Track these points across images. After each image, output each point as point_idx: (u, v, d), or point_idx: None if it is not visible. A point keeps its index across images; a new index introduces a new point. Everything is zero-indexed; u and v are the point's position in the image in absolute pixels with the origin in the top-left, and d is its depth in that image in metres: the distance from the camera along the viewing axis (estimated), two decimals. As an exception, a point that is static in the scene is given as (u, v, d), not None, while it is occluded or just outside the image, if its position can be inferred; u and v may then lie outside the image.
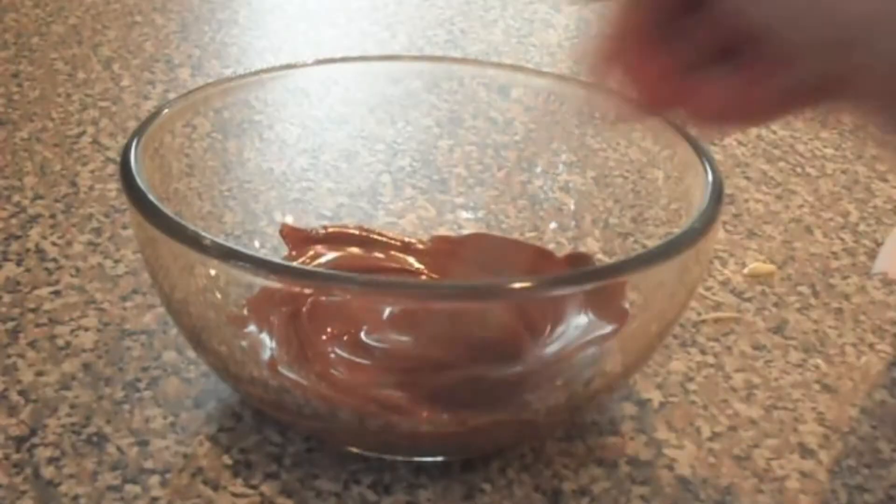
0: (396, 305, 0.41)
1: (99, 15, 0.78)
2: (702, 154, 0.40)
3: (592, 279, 0.35)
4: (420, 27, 0.79)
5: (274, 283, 0.34)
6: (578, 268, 0.45)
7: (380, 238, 0.48)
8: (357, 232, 0.48)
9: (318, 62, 0.48)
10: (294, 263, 0.45)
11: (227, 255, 0.33)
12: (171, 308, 0.38)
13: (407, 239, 0.48)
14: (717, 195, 0.37)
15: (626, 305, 0.39)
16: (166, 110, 0.42)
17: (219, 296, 0.39)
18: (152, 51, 0.72)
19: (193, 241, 0.34)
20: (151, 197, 0.36)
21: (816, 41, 0.28)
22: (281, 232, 0.46)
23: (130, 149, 0.38)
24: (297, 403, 0.37)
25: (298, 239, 0.46)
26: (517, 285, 0.34)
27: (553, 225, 0.48)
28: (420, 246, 0.48)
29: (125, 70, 0.69)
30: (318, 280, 0.35)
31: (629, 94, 0.33)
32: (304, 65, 0.48)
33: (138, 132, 0.40)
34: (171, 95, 0.65)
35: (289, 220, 0.47)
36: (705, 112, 0.33)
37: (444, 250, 0.47)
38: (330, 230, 0.47)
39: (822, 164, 0.62)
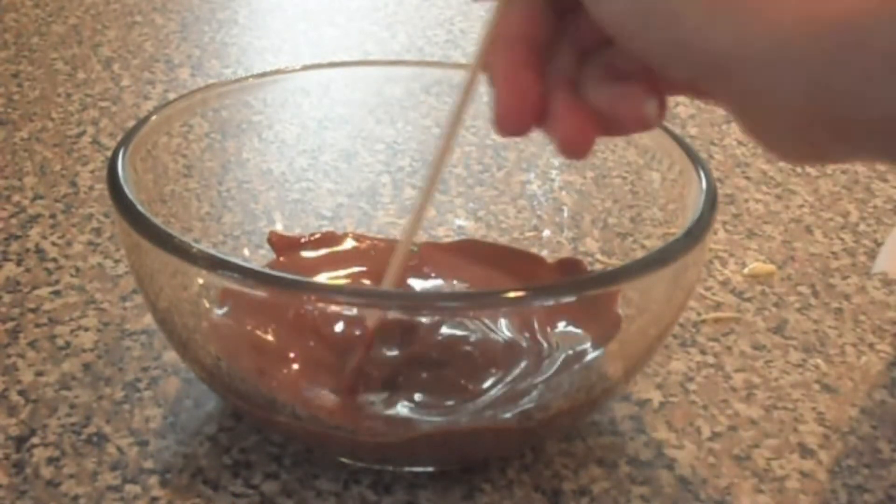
0: (380, 315, 0.40)
1: (99, 15, 0.78)
2: (696, 161, 0.40)
3: (585, 288, 0.35)
4: (420, 27, 0.79)
5: (261, 293, 0.34)
6: (570, 274, 0.45)
7: (368, 244, 0.47)
8: (345, 238, 0.48)
9: (317, 66, 0.48)
10: (277, 272, 0.43)
11: (213, 264, 0.33)
12: (156, 316, 0.38)
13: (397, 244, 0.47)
14: (712, 201, 0.37)
15: (620, 311, 0.39)
16: (154, 116, 0.42)
17: (206, 304, 0.38)
18: (152, 51, 0.72)
19: (179, 249, 0.34)
20: (137, 205, 0.35)
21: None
22: (269, 240, 0.46)
23: (118, 155, 0.38)
24: (285, 414, 0.37)
25: (286, 245, 0.46)
26: (508, 295, 0.33)
27: (552, 225, 0.48)
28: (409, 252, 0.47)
29: (125, 70, 0.69)
30: (306, 290, 0.34)
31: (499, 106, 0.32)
32: (303, 68, 0.48)
33: (127, 138, 0.40)
34: (171, 95, 0.65)
35: (281, 226, 0.47)
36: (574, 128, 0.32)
37: (433, 257, 0.47)
38: (317, 236, 0.47)
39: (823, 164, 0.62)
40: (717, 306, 0.48)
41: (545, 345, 0.40)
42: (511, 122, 0.32)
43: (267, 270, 0.42)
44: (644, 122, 0.32)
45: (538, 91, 0.31)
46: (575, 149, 0.32)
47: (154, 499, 0.36)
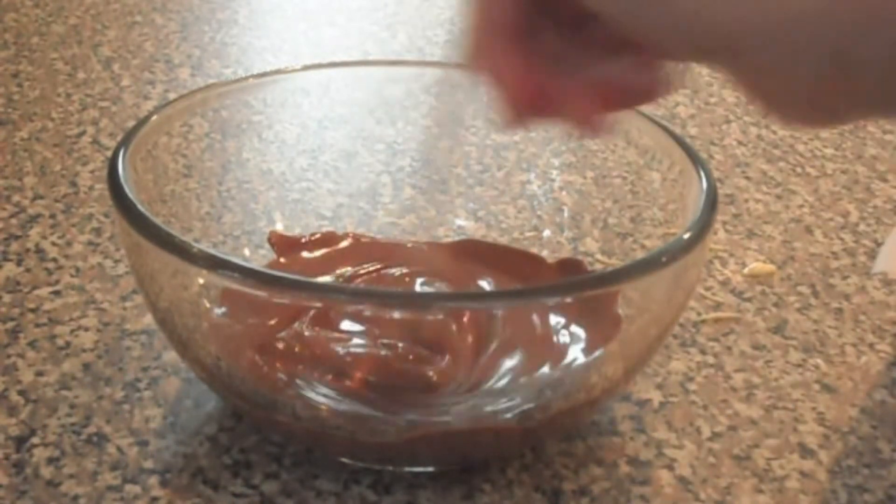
0: (380, 314, 0.40)
1: (99, 15, 0.78)
2: (696, 161, 0.40)
3: (585, 288, 0.35)
4: (420, 27, 0.79)
5: (261, 293, 0.34)
6: (570, 274, 0.45)
7: (368, 243, 0.47)
8: (345, 238, 0.47)
9: (317, 66, 0.48)
10: (277, 272, 0.43)
11: (214, 264, 0.33)
12: (156, 316, 0.38)
13: (397, 244, 0.47)
14: (712, 201, 0.37)
15: (620, 311, 0.39)
16: (154, 116, 0.42)
17: (206, 304, 0.38)
18: (152, 51, 0.72)
19: (179, 249, 0.34)
20: (137, 205, 0.35)
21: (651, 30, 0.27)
22: (269, 240, 0.46)
23: (118, 155, 0.38)
24: (286, 415, 0.37)
25: (286, 245, 0.46)
26: (506, 294, 0.33)
27: (552, 225, 0.48)
28: (409, 251, 0.47)
29: (125, 70, 0.69)
30: (306, 290, 0.34)
31: (495, 95, 0.30)
32: (303, 68, 0.48)
33: (127, 138, 0.40)
34: (171, 95, 0.65)
35: (281, 226, 0.47)
36: (576, 110, 0.30)
37: (433, 256, 0.47)
38: (317, 236, 0.47)
39: (822, 164, 0.62)
40: (717, 306, 0.48)
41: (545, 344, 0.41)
42: (517, 117, 0.30)
43: (267, 270, 0.42)
44: (659, 90, 0.30)
45: (535, 79, 0.30)
46: (592, 127, 0.30)
47: (154, 499, 0.36)
